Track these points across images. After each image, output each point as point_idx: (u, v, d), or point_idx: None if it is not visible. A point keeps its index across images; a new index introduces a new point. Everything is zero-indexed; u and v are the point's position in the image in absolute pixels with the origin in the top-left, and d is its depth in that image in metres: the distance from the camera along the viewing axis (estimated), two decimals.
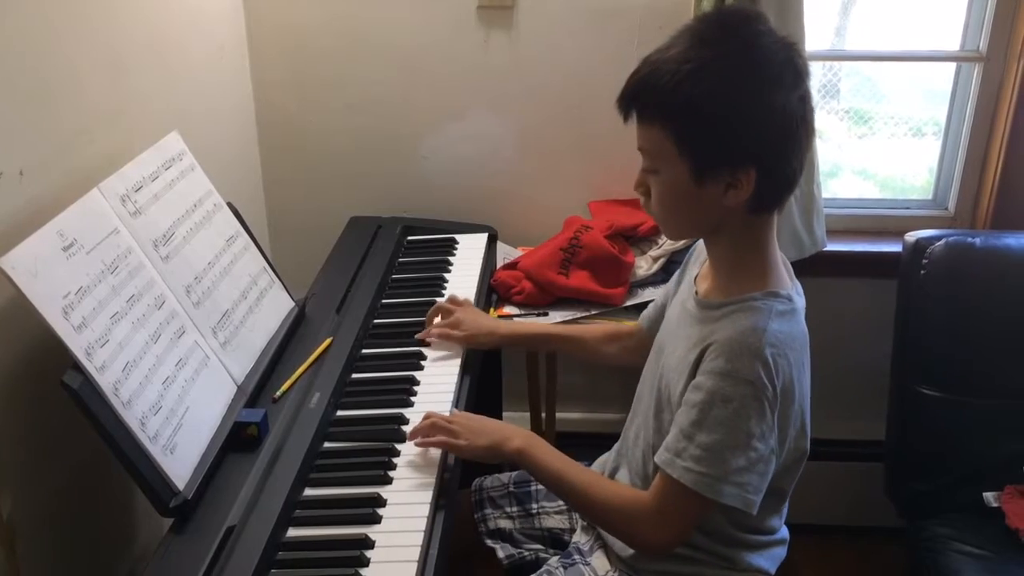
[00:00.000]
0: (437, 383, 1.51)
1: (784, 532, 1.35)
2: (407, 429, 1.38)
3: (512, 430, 1.34)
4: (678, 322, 1.31)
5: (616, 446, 1.45)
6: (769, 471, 1.17)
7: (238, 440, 1.31)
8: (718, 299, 1.22)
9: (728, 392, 1.13)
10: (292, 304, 1.65)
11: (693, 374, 1.18)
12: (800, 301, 1.24)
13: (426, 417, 1.36)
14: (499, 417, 2.05)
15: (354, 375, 1.52)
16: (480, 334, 1.60)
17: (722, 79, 1.11)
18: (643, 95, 1.16)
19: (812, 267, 1.90)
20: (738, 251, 1.22)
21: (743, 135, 1.12)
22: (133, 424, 1.16)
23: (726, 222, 1.19)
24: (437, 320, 1.64)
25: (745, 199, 1.15)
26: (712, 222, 1.20)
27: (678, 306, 1.34)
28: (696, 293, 1.28)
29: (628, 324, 1.60)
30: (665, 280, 1.89)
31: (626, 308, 1.85)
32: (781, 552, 1.34)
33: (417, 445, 1.34)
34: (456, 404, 1.47)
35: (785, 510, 1.32)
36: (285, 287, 1.65)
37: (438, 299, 1.75)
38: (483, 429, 1.34)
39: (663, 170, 1.17)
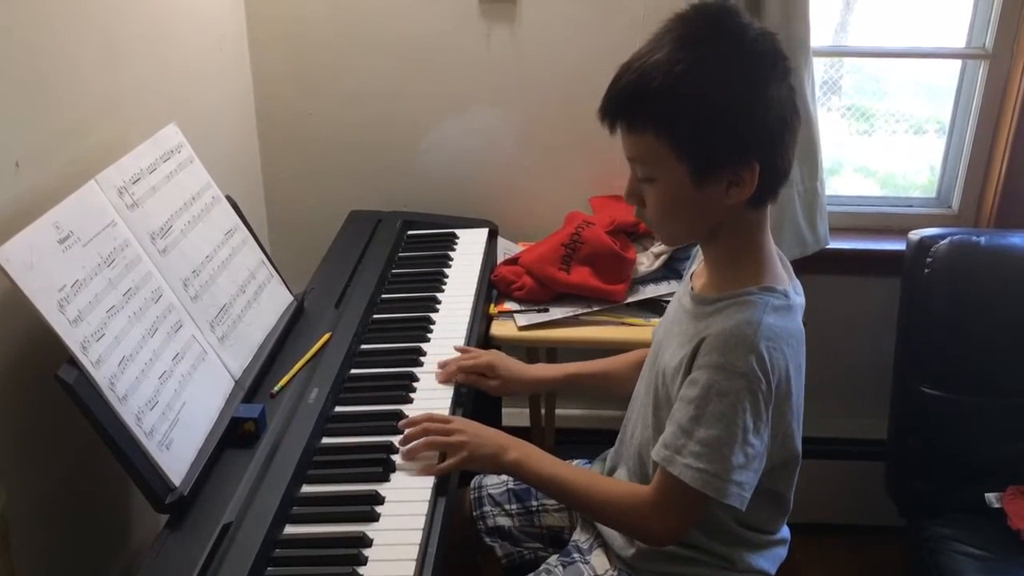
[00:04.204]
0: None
1: (785, 532, 1.34)
2: None
3: (508, 440, 1.32)
4: (674, 319, 1.30)
5: (615, 445, 1.44)
6: (760, 469, 1.16)
7: (235, 436, 1.30)
8: (713, 294, 1.21)
9: (724, 386, 1.12)
10: (291, 298, 1.64)
11: (689, 370, 1.17)
12: (798, 299, 1.22)
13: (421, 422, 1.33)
14: (498, 413, 2.05)
15: (353, 371, 1.51)
16: (512, 381, 1.53)
17: (716, 76, 1.09)
18: (632, 103, 1.13)
19: (815, 265, 1.89)
20: (734, 247, 1.20)
21: (744, 130, 1.10)
22: (129, 419, 1.14)
23: (723, 221, 1.18)
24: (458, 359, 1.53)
25: (748, 195, 1.13)
26: (712, 223, 1.18)
27: (675, 304, 1.33)
28: (692, 289, 1.27)
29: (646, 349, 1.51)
30: (667, 277, 1.89)
31: (628, 305, 1.84)
32: (782, 552, 1.33)
33: (405, 457, 1.30)
34: (456, 399, 1.45)
35: (787, 512, 1.31)
36: (284, 281, 1.64)
37: (438, 294, 1.74)
38: (485, 436, 1.31)
39: (660, 178, 1.15)
